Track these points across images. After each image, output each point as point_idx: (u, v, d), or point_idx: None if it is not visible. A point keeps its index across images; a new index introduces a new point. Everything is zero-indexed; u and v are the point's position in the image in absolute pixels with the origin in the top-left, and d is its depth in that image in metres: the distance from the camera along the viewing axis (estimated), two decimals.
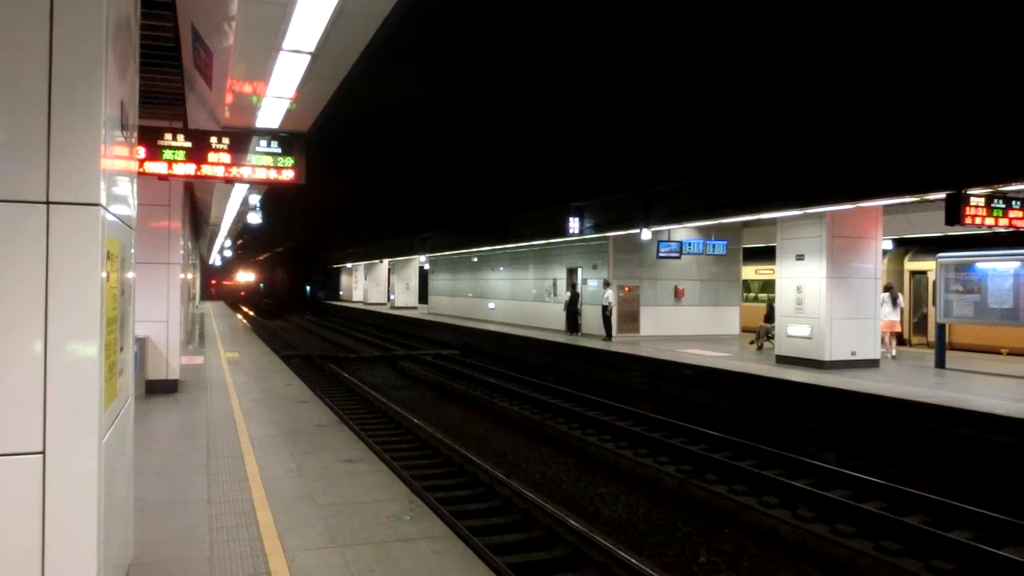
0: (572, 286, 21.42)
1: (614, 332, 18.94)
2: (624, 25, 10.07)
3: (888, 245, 18.50)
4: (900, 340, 18.74)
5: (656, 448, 10.14)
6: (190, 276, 19.97)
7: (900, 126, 9.57)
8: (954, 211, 9.94)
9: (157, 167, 7.02)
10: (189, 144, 7.13)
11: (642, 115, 12.88)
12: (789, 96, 10.50)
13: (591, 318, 19.76)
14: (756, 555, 6.72)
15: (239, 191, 16.76)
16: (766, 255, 20.04)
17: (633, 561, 5.77)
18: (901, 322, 16.65)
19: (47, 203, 2.74)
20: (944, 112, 8.92)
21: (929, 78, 8.77)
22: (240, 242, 48.58)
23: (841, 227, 13.35)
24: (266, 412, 9.20)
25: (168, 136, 7.08)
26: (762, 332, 16.83)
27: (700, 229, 19.37)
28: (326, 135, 11.91)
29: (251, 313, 47.69)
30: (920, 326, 18.65)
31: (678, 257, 19.12)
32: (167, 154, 7.04)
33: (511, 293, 26.14)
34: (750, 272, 22.91)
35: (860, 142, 10.27)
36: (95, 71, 2.79)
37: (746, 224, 19.36)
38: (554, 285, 22.79)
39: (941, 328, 13.87)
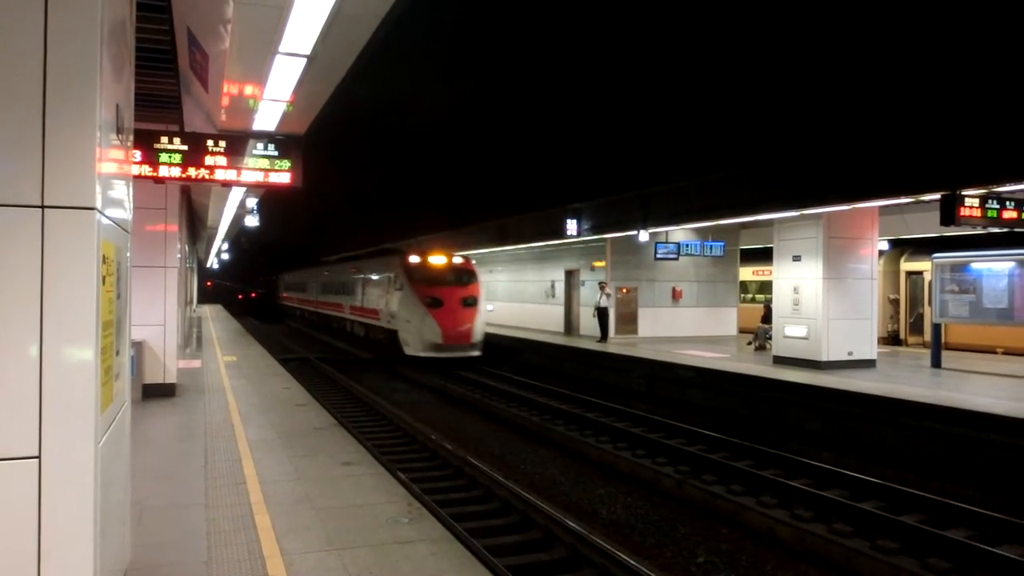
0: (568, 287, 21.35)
1: (612, 333, 18.94)
2: (621, 26, 10.09)
3: (884, 246, 18.55)
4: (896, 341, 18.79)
5: (654, 449, 10.15)
6: (187, 279, 19.95)
7: (895, 127, 9.60)
8: (949, 212, 9.98)
9: (153, 170, 7.02)
10: (185, 147, 7.14)
11: (639, 116, 12.90)
12: (786, 98, 10.53)
13: (591, 319, 19.77)
14: (754, 555, 6.73)
15: (236, 194, 16.72)
16: (763, 256, 20.08)
17: (631, 562, 5.78)
18: None
19: (42, 207, 2.74)
20: (939, 113, 8.95)
21: (924, 80, 8.80)
22: (237, 244, 48.17)
23: (837, 228, 13.38)
24: (264, 415, 9.19)
25: (164, 139, 7.09)
26: (760, 333, 16.85)
27: (697, 230, 19.40)
28: (323, 137, 11.92)
29: (248, 316, 47.60)
30: (916, 326, 18.69)
31: (676, 258, 19.16)
32: (163, 157, 7.05)
33: (509, 295, 26.13)
34: (747, 273, 22.94)
35: (856, 144, 10.30)
36: (90, 74, 2.80)
37: (743, 225, 19.41)
38: (552, 287, 22.79)
39: (937, 328, 13.90)
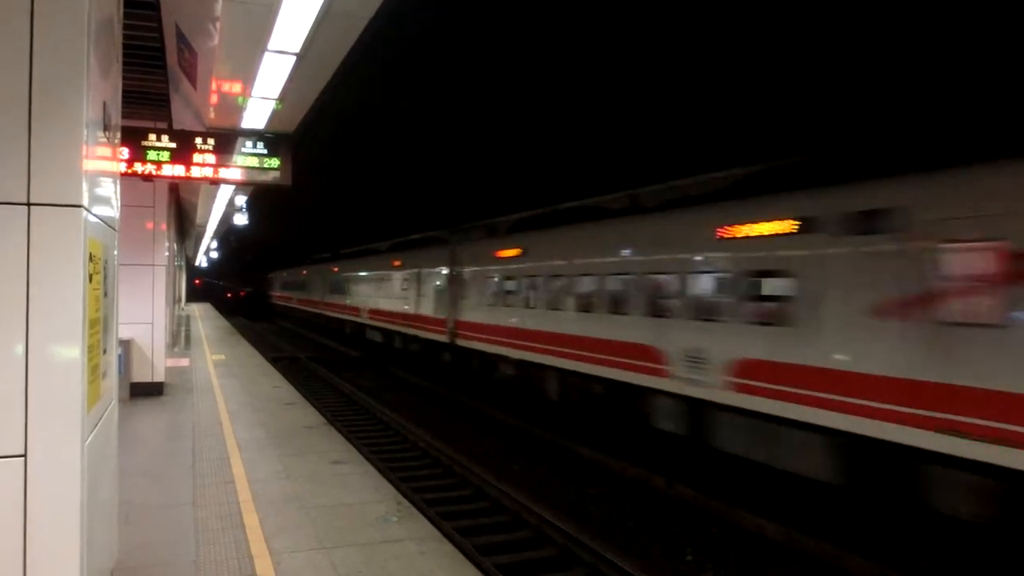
0: None
1: None
2: (601, 31, 10.13)
3: None
4: None
5: (645, 448, 10.17)
6: (175, 277, 19.81)
7: (880, 127, 9.67)
8: None
9: (141, 168, 6.98)
10: (174, 145, 7.10)
11: (623, 120, 12.95)
12: (769, 99, 10.59)
13: None
14: (743, 553, 6.76)
15: (225, 192, 16.63)
16: None
17: (619, 563, 5.79)
18: None
19: (28, 204, 2.72)
20: (922, 112, 9.03)
21: (904, 80, 8.87)
22: (227, 242, 47.49)
23: None
24: (253, 415, 9.15)
25: (152, 137, 7.04)
26: None
27: None
28: (312, 136, 11.89)
29: (237, 316, 47.35)
30: None
31: None
32: (151, 155, 7.00)
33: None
34: None
35: (840, 142, 10.37)
36: (77, 72, 2.78)
37: None
38: None
39: None
